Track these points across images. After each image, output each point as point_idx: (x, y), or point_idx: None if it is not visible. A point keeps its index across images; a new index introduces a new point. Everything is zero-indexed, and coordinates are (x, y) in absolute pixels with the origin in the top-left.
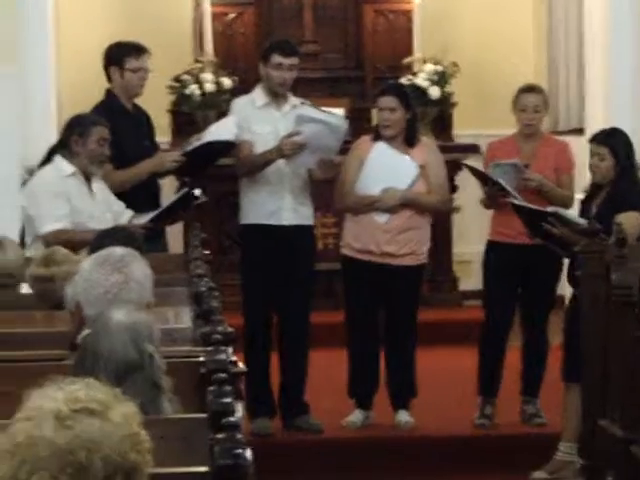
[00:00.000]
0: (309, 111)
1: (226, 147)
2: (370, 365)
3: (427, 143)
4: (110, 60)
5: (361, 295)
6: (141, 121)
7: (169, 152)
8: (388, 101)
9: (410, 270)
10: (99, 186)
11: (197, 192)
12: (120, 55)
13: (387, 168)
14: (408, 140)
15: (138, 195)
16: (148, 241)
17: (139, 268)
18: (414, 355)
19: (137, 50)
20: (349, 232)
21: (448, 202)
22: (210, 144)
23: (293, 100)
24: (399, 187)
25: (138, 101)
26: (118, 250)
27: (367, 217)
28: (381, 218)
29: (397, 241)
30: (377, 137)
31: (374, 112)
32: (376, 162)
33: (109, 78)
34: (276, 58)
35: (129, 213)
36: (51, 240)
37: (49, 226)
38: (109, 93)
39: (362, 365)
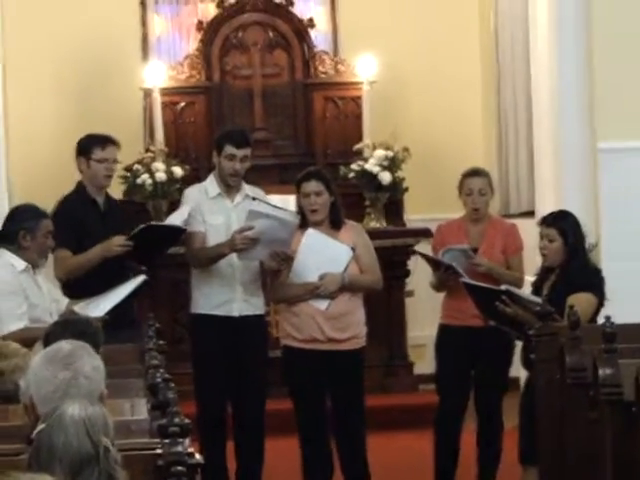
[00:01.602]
0: (261, 207)
1: (175, 233)
2: (322, 452)
3: (353, 225)
4: (79, 151)
5: (307, 384)
6: (112, 213)
7: (117, 237)
8: (313, 186)
9: (354, 354)
10: (42, 277)
11: (145, 277)
12: (87, 146)
13: (321, 254)
14: (334, 224)
15: (101, 280)
16: (119, 329)
17: (88, 362)
18: (364, 438)
19: (104, 141)
20: (287, 323)
21: (381, 281)
22: (154, 227)
23: (246, 189)
24: (334, 271)
25: None
26: (66, 346)
27: (305, 305)
28: (321, 305)
29: (340, 326)
30: (303, 224)
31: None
32: (309, 249)
33: (80, 170)
34: (229, 149)
35: (66, 300)
36: (15, 339)
37: (11, 326)
38: (79, 184)
39: (314, 453)
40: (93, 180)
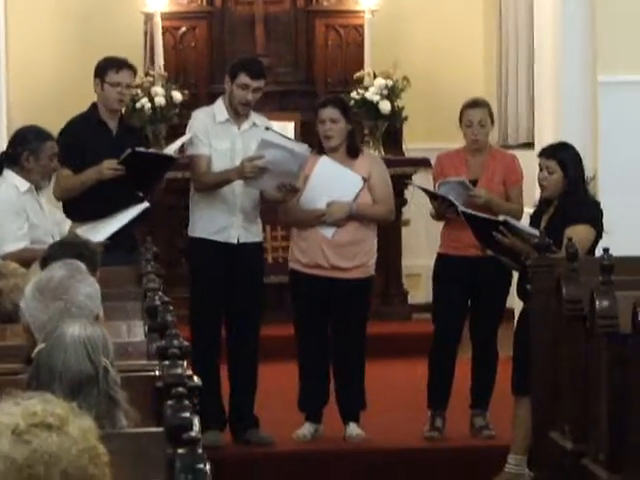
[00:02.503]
0: (273, 137)
1: (166, 161)
2: (320, 378)
3: (370, 154)
4: (95, 72)
5: (310, 309)
6: (126, 139)
7: (109, 160)
8: (330, 112)
9: (359, 283)
10: (44, 200)
11: (147, 204)
12: (103, 68)
13: (331, 181)
14: (350, 152)
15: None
16: (119, 251)
17: (80, 290)
18: (363, 368)
19: (119, 64)
20: (296, 247)
21: (393, 212)
22: (141, 154)
23: (254, 117)
24: (344, 200)
25: None
26: (58, 274)
27: (313, 232)
28: (327, 232)
29: (345, 254)
30: (320, 151)
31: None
32: (320, 176)
33: (95, 90)
34: (243, 78)
35: (68, 222)
36: (14, 259)
37: (11, 246)
38: (92, 105)
39: (312, 379)
40: (105, 103)
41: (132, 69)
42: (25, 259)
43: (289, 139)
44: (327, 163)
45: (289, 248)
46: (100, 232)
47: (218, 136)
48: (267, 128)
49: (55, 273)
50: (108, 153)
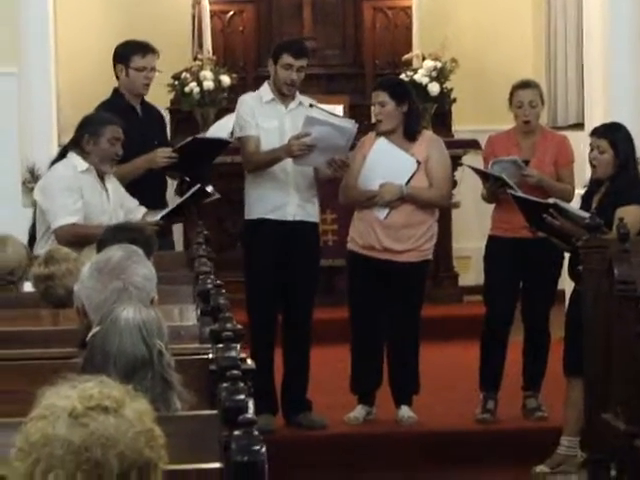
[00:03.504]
0: (319, 114)
1: (220, 145)
2: (373, 361)
3: (430, 137)
4: (117, 58)
5: (365, 291)
6: (150, 120)
7: (162, 149)
8: (378, 96)
9: (413, 266)
10: (112, 184)
11: (209, 189)
12: (127, 53)
13: (385, 163)
14: (408, 134)
15: (146, 192)
16: (158, 238)
17: (138, 272)
18: (417, 351)
19: (144, 49)
20: (354, 227)
21: (447, 197)
22: (200, 140)
23: (300, 97)
24: (397, 182)
25: None
26: (116, 254)
27: (368, 212)
28: (380, 214)
29: (398, 237)
30: (380, 132)
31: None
32: (375, 157)
33: (117, 76)
34: (286, 58)
35: (143, 210)
36: (64, 234)
37: (62, 220)
38: (115, 91)
39: (365, 361)
40: (131, 88)
41: (155, 52)
42: (76, 234)
43: (335, 115)
44: (383, 144)
45: (349, 229)
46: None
47: (265, 115)
48: (311, 105)
49: (114, 254)
50: (138, 136)
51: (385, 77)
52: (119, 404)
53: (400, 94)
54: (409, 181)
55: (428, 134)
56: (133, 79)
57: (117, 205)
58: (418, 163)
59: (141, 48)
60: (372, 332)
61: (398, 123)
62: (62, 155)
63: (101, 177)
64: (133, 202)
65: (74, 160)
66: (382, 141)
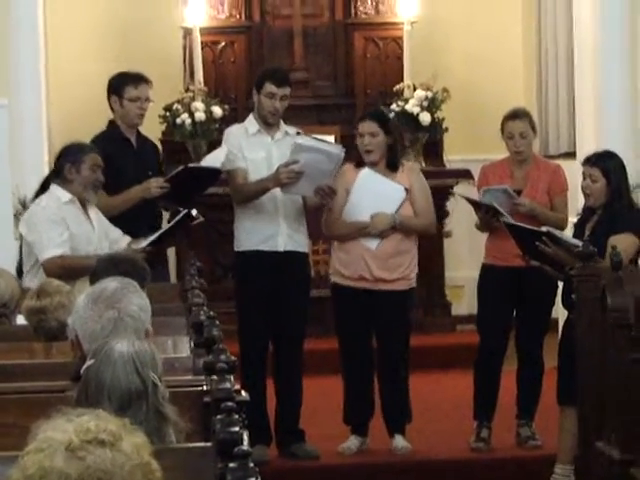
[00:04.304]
0: (306, 140)
1: (212, 175)
2: (364, 391)
3: (410, 167)
4: (111, 89)
5: (353, 322)
6: (145, 151)
7: (155, 178)
8: (369, 126)
9: (401, 295)
10: (95, 213)
11: (194, 212)
12: (120, 84)
13: (374, 193)
14: (390, 165)
15: (140, 222)
16: (153, 268)
17: (133, 301)
18: (408, 380)
19: (136, 79)
20: (338, 260)
21: (434, 225)
22: (192, 169)
23: (285, 127)
24: (386, 211)
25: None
26: (111, 285)
27: (356, 244)
28: (371, 244)
29: (388, 266)
30: (359, 164)
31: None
32: (362, 188)
33: (111, 108)
34: (269, 87)
35: (127, 239)
36: (52, 266)
37: (50, 252)
38: (111, 123)
39: (356, 392)
40: (125, 119)
41: (148, 82)
42: (64, 266)
43: (322, 141)
44: (369, 175)
45: (330, 261)
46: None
47: (252, 147)
48: (298, 133)
49: (109, 284)
50: (133, 168)
51: (372, 108)
52: (116, 438)
53: (388, 125)
54: (398, 210)
55: (408, 164)
56: (127, 110)
57: (102, 235)
58: (406, 190)
59: (134, 79)
60: (362, 363)
61: (383, 154)
62: (44, 188)
63: (84, 206)
64: (117, 232)
65: (57, 192)
66: (367, 172)
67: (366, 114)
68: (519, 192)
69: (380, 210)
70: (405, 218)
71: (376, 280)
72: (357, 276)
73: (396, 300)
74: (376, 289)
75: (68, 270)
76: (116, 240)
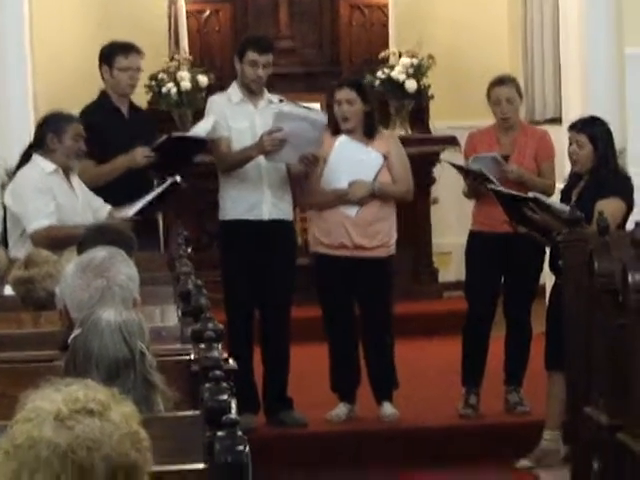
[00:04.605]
0: (289, 108)
1: (198, 144)
2: (350, 359)
3: (387, 134)
4: (102, 59)
5: (336, 290)
6: (137, 121)
7: (141, 148)
8: (346, 93)
9: (382, 262)
10: (77, 182)
11: (178, 179)
12: (111, 54)
13: (351, 161)
14: (367, 132)
15: (128, 190)
16: (140, 237)
17: (121, 270)
18: (393, 346)
19: (127, 49)
20: (317, 229)
21: (411, 192)
22: (176, 139)
23: (268, 96)
24: (365, 179)
25: None
26: (100, 254)
27: (335, 212)
28: (351, 211)
29: (368, 233)
30: (336, 131)
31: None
32: (340, 156)
33: (103, 77)
34: (251, 55)
35: (107, 207)
36: (40, 237)
37: (37, 223)
38: (102, 93)
39: (342, 360)
40: (116, 88)
41: (139, 52)
42: (53, 237)
43: (305, 107)
44: (346, 143)
45: (309, 232)
46: (131, 209)
47: (235, 116)
48: (281, 100)
49: (97, 254)
50: (124, 138)
51: (349, 77)
52: (104, 407)
53: (365, 93)
54: (376, 177)
55: (385, 132)
56: (118, 79)
57: (85, 204)
58: (384, 158)
59: (124, 48)
60: (346, 331)
61: (360, 121)
62: (26, 158)
63: (67, 176)
64: (98, 200)
65: (40, 162)
66: (344, 139)
67: (343, 81)
68: (506, 158)
69: (358, 177)
70: (383, 185)
71: (356, 247)
72: (337, 244)
73: (377, 267)
74: (356, 256)
75: (56, 240)
76: (97, 209)
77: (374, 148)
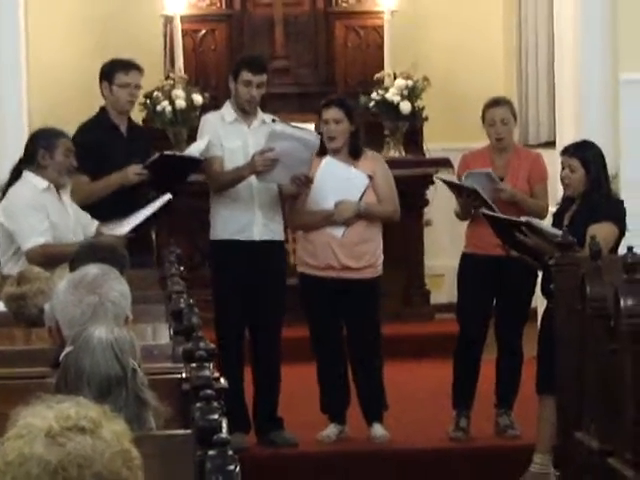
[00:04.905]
0: (282, 127)
1: (192, 163)
2: (339, 380)
3: (372, 155)
4: (102, 75)
5: (323, 312)
6: (135, 139)
7: (134, 166)
8: (333, 113)
9: (369, 283)
10: (67, 198)
11: (170, 197)
12: (111, 71)
13: (337, 181)
14: (353, 153)
15: (125, 206)
16: (133, 255)
17: (114, 287)
18: (382, 368)
19: (127, 66)
20: (304, 250)
21: (398, 212)
22: (169, 157)
23: (262, 115)
24: (350, 199)
25: None
26: (92, 270)
27: (322, 233)
28: (337, 232)
29: (354, 254)
30: (322, 152)
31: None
32: (325, 176)
33: (103, 94)
34: (245, 75)
35: (95, 223)
36: (35, 255)
37: (32, 240)
38: (101, 109)
39: (331, 380)
40: (115, 105)
41: (139, 69)
42: (48, 255)
43: (298, 128)
44: (331, 163)
45: (296, 253)
46: (123, 226)
47: (228, 136)
48: (274, 120)
49: (90, 270)
50: (121, 155)
51: (336, 96)
52: (96, 424)
53: (352, 113)
54: (362, 197)
55: (370, 152)
56: (117, 96)
57: (76, 220)
58: (370, 178)
59: (125, 65)
60: (334, 352)
61: (346, 141)
62: (16, 175)
63: (57, 192)
64: (86, 216)
65: (32, 179)
66: (329, 160)
67: (330, 101)
68: (501, 180)
69: (344, 198)
70: (369, 205)
71: (343, 268)
72: (324, 265)
73: (364, 288)
74: (343, 277)
75: (50, 258)
76: (86, 225)
77: (359, 168)
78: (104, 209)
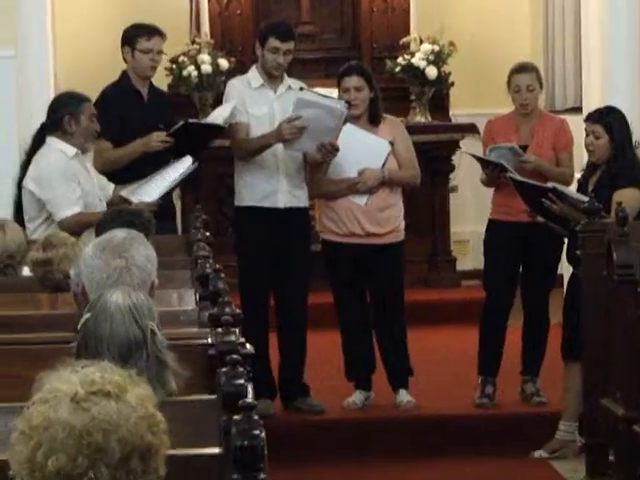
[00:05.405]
0: (309, 96)
1: (215, 130)
2: (364, 347)
3: (392, 120)
4: (124, 40)
5: (347, 278)
6: (156, 104)
7: (157, 133)
8: (354, 81)
9: (393, 248)
10: (89, 163)
11: (195, 164)
12: (133, 36)
13: (359, 149)
14: (372, 119)
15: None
16: (161, 220)
17: (140, 252)
18: (405, 333)
19: (150, 31)
20: (326, 218)
21: (419, 177)
22: (192, 125)
23: (288, 81)
24: (373, 166)
25: None
26: (119, 234)
27: (345, 200)
28: (361, 200)
29: (378, 220)
30: (351, 117)
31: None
32: (347, 144)
33: (124, 59)
34: (272, 42)
35: (112, 186)
36: (70, 224)
37: (67, 210)
38: (123, 74)
39: (356, 348)
40: (137, 70)
41: (162, 35)
42: (81, 223)
43: (325, 96)
44: (352, 131)
45: (318, 219)
46: (149, 192)
47: (255, 102)
48: (301, 88)
49: (117, 234)
50: (143, 121)
51: (354, 63)
52: (121, 389)
53: (372, 79)
54: (384, 163)
55: (389, 118)
56: (138, 61)
57: (99, 186)
58: (391, 144)
59: (147, 31)
60: (359, 319)
61: (366, 108)
62: (39, 141)
63: None
64: (103, 179)
65: (59, 145)
66: (350, 127)
67: (351, 68)
68: (525, 148)
69: (367, 165)
70: (392, 172)
71: (368, 235)
72: (349, 232)
73: (389, 253)
74: (368, 243)
75: (84, 227)
76: (103, 187)
77: (379, 135)
78: (120, 172)
